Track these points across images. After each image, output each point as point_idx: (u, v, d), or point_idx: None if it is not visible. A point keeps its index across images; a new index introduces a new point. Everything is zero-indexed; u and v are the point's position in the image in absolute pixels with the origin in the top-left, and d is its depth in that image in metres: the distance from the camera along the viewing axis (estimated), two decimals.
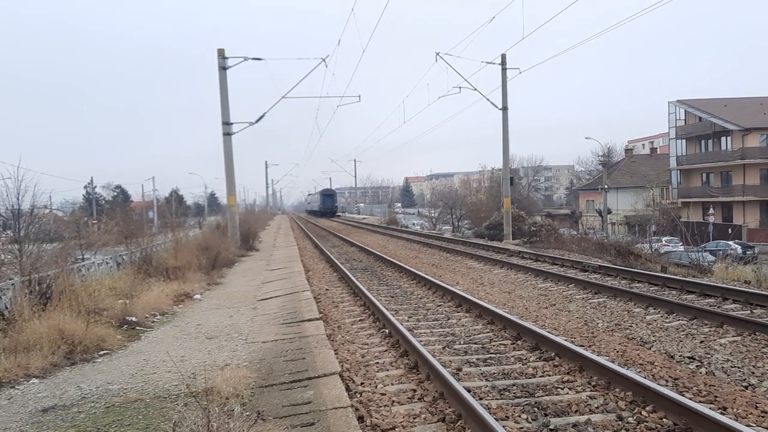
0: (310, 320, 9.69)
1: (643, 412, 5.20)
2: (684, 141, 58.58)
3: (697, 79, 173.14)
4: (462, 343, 8.09)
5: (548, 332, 7.92)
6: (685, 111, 58.18)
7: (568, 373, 6.42)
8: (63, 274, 10.48)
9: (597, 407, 5.40)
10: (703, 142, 56.53)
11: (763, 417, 5.09)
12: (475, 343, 8.02)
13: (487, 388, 6.05)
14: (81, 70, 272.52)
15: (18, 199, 11.93)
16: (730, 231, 42.92)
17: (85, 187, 77.17)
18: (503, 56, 28.31)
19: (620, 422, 5.03)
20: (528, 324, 8.40)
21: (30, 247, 11.75)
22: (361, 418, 5.23)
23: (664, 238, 33.96)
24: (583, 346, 7.49)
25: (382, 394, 5.92)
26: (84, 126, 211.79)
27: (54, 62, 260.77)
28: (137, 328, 10.26)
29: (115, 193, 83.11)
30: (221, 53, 26.33)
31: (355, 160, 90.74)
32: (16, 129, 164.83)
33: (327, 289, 13.73)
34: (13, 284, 10.07)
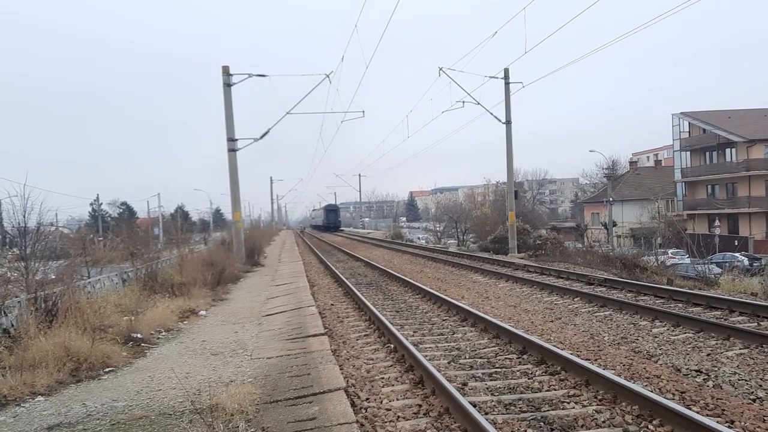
0: (315, 335, 9.68)
1: (650, 426, 5.17)
2: (688, 153, 58.53)
3: (701, 92, 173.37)
4: (467, 357, 8.06)
5: (554, 346, 7.88)
6: (689, 123, 58.18)
7: (574, 387, 6.39)
8: (69, 291, 10.51)
9: (603, 421, 5.37)
10: (707, 153, 56.46)
11: None
12: (481, 358, 8.00)
13: (493, 403, 6.02)
14: (87, 88, 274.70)
15: (24, 216, 12.00)
16: (736, 243, 42.77)
17: (91, 204, 77.59)
18: (506, 70, 28.43)
19: None
20: (534, 338, 8.37)
21: (36, 265, 11.79)
22: None
23: (669, 251, 33.79)
24: (589, 359, 7.45)
25: (388, 410, 5.90)
26: (90, 143, 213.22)
27: (61, 80, 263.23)
28: (142, 344, 10.27)
29: (121, 210, 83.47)
30: (226, 70, 26.54)
31: (359, 175, 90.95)
32: (22, 147, 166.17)
33: (332, 305, 13.72)
34: (19, 302, 10.10)
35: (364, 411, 5.84)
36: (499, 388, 6.57)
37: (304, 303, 13.57)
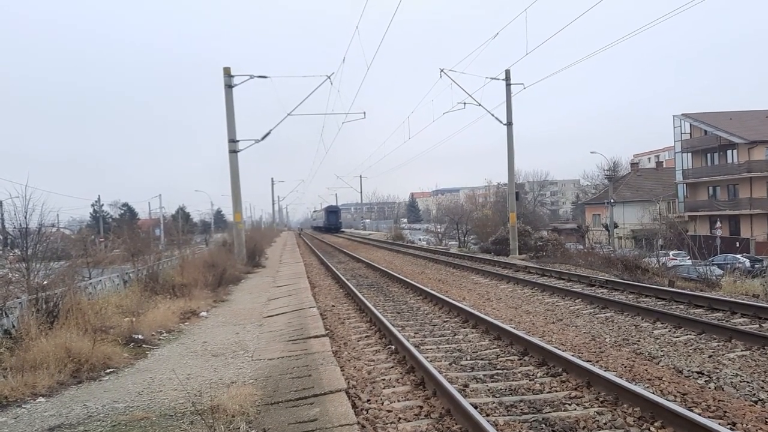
0: (316, 337, 9.68)
1: (652, 428, 5.16)
2: (690, 154, 58.49)
3: (702, 93, 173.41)
4: (468, 359, 8.05)
5: (555, 348, 7.88)
6: (691, 124, 58.17)
7: (575, 389, 6.38)
8: (70, 292, 10.51)
9: (605, 423, 5.36)
10: (708, 155, 56.43)
11: None
12: (482, 359, 7.98)
13: (494, 405, 6.01)
14: (87, 88, 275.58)
15: (26, 217, 12.00)
16: (737, 244, 42.71)
17: (93, 205, 77.48)
18: (507, 72, 28.43)
19: None
20: (535, 339, 8.36)
21: (37, 266, 11.79)
22: None
23: (671, 252, 33.76)
24: (590, 361, 7.44)
25: (389, 411, 5.89)
26: (90, 144, 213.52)
27: (61, 80, 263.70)
28: (144, 345, 10.27)
29: (122, 211, 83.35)
30: (227, 71, 26.57)
31: (360, 176, 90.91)
32: (22, 147, 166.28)
33: (333, 306, 13.71)
34: (20, 303, 10.10)
35: (365, 412, 5.83)
36: (501, 389, 6.56)
37: (305, 304, 13.56)
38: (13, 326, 9.48)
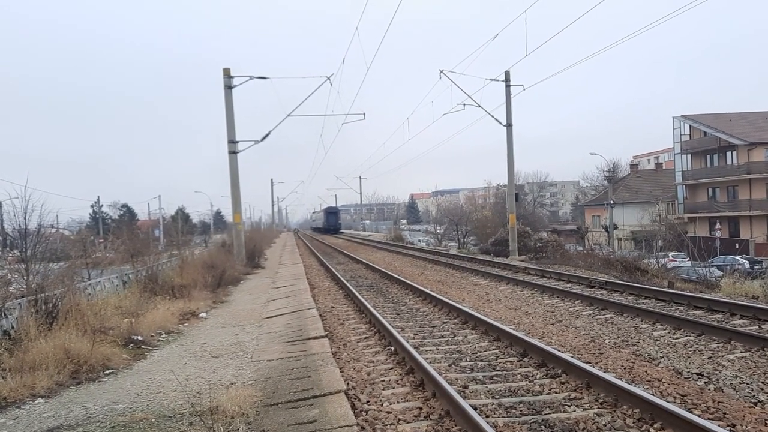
0: (315, 338, 9.67)
1: (652, 430, 5.16)
2: (689, 156, 58.54)
3: (702, 94, 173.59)
4: (468, 360, 8.05)
5: (555, 349, 7.87)
6: (690, 126, 58.23)
7: (575, 390, 6.37)
8: (69, 293, 10.50)
9: (605, 425, 5.35)
10: (708, 156, 56.48)
11: None
12: (482, 360, 7.98)
13: (494, 406, 6.01)
14: (87, 88, 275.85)
15: (25, 218, 12.00)
16: (737, 246, 42.72)
17: (92, 206, 77.61)
18: (507, 73, 28.44)
19: None
20: (534, 341, 8.35)
21: (37, 267, 11.78)
22: None
23: (670, 254, 33.79)
24: (590, 362, 7.44)
25: (388, 413, 5.88)
26: (90, 144, 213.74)
27: (61, 80, 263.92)
28: (143, 346, 10.26)
29: (122, 212, 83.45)
30: (227, 72, 26.55)
31: (360, 177, 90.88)
32: (22, 147, 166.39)
33: (332, 307, 13.70)
34: (19, 303, 10.09)
35: (364, 414, 5.83)
36: (500, 391, 6.55)
37: (304, 305, 13.55)
38: (13, 327, 9.47)
